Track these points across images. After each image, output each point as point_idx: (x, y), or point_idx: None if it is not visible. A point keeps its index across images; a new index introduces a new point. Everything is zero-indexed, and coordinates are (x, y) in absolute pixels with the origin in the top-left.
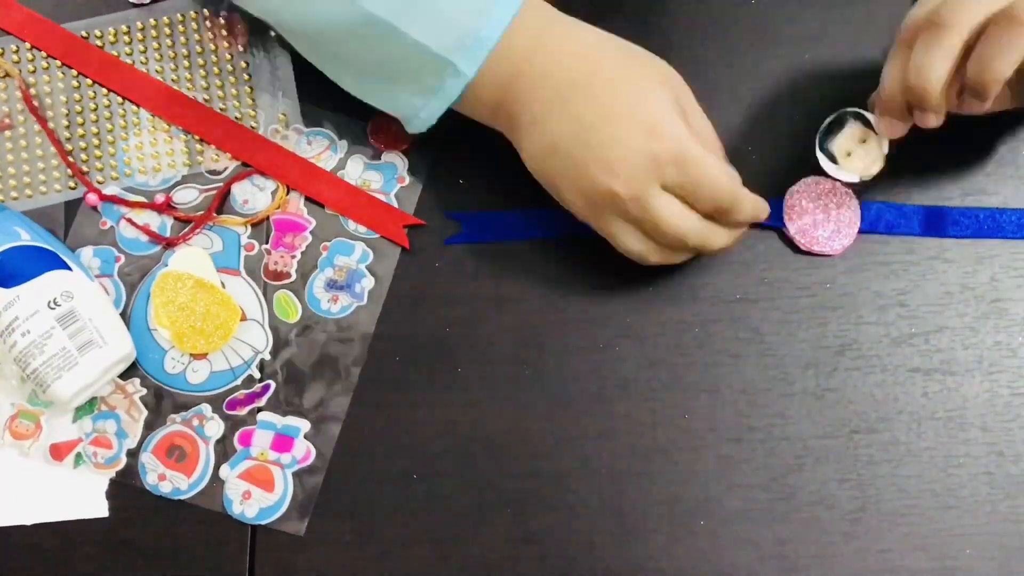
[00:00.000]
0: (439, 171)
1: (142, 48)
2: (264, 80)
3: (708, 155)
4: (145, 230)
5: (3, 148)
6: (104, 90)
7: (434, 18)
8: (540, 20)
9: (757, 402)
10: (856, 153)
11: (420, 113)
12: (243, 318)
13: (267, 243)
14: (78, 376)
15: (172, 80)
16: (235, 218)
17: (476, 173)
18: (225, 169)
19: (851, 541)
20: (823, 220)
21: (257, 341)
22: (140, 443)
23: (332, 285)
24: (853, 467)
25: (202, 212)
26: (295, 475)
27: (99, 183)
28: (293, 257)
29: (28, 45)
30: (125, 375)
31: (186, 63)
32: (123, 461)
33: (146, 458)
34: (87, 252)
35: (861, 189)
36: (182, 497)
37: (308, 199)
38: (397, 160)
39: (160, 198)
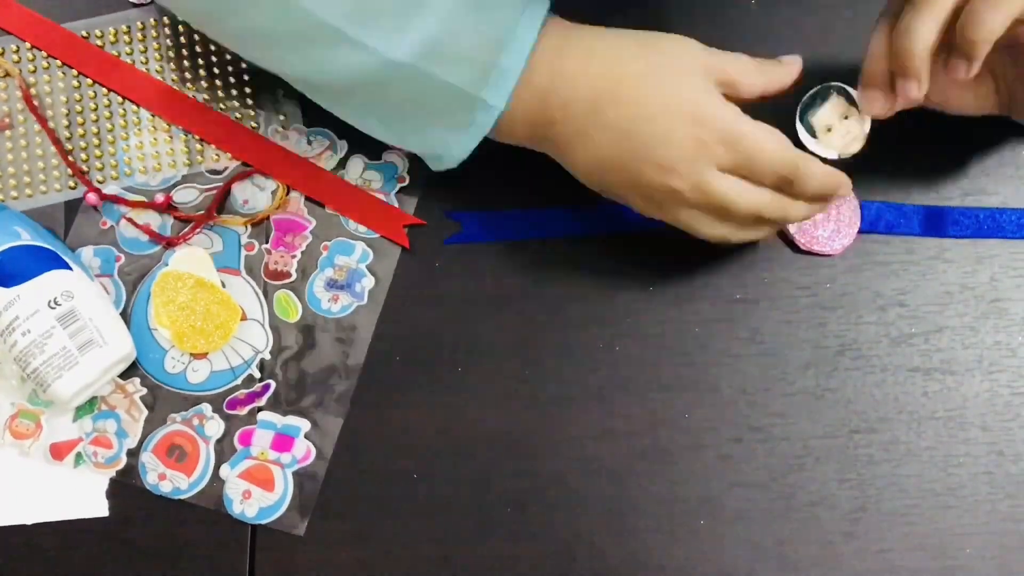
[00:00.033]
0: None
1: (142, 48)
2: (265, 80)
3: (758, 127)
4: (145, 230)
5: (3, 148)
6: (104, 90)
7: (456, 56)
8: (558, 41)
9: (757, 402)
10: (837, 129)
11: (452, 150)
12: (243, 318)
13: (267, 243)
14: (78, 375)
15: (173, 80)
16: (235, 218)
17: (476, 173)
18: (225, 169)
19: (851, 541)
20: (823, 220)
21: (257, 341)
22: (140, 443)
23: (332, 285)
24: (853, 467)
25: (202, 212)
26: (295, 475)
27: (99, 183)
28: (293, 257)
29: (28, 45)
30: (125, 375)
31: (187, 63)
32: (123, 461)
33: (146, 458)
34: (87, 252)
35: (861, 189)
36: (182, 497)
37: (308, 199)
38: (397, 160)
39: (160, 198)
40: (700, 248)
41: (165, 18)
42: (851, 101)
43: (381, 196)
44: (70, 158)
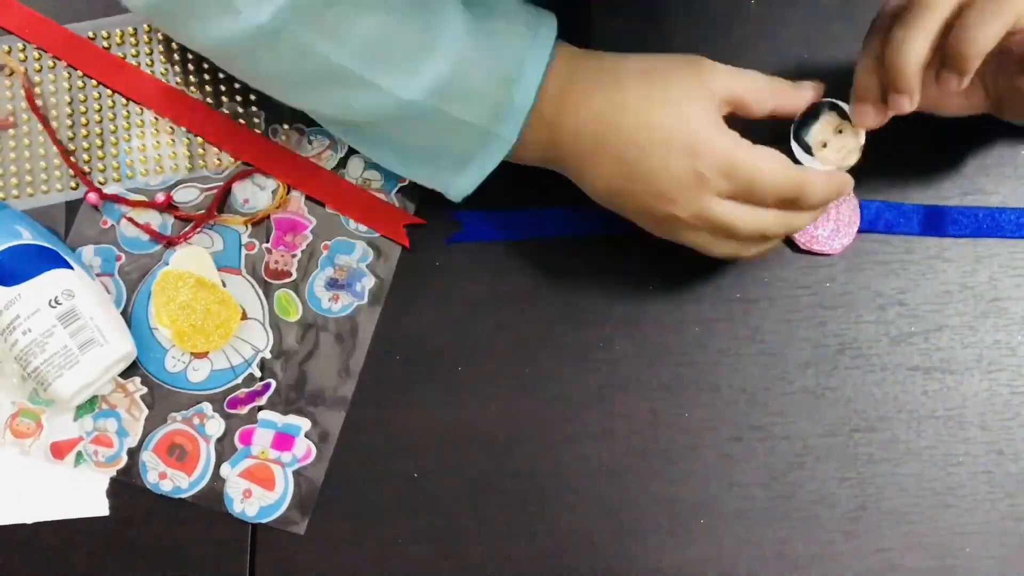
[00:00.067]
0: None
1: (148, 51)
2: None
3: (756, 154)
4: (146, 229)
5: (6, 147)
6: (107, 91)
7: (468, 94)
8: (565, 72)
9: (757, 401)
10: (832, 144)
11: (462, 181)
12: (244, 317)
13: (268, 242)
14: (79, 375)
15: (176, 82)
16: (236, 217)
17: None
18: (226, 170)
19: (851, 540)
20: (823, 219)
21: (258, 340)
22: (141, 442)
23: (333, 284)
24: (853, 466)
25: (203, 211)
26: (295, 474)
27: (100, 183)
28: (294, 256)
29: (32, 45)
30: (126, 374)
31: (191, 66)
32: (124, 460)
33: (147, 456)
34: (88, 251)
35: (861, 189)
36: (183, 496)
37: (309, 198)
38: None
39: (161, 197)
40: None
41: None
42: (843, 115)
43: (382, 195)
44: (72, 158)
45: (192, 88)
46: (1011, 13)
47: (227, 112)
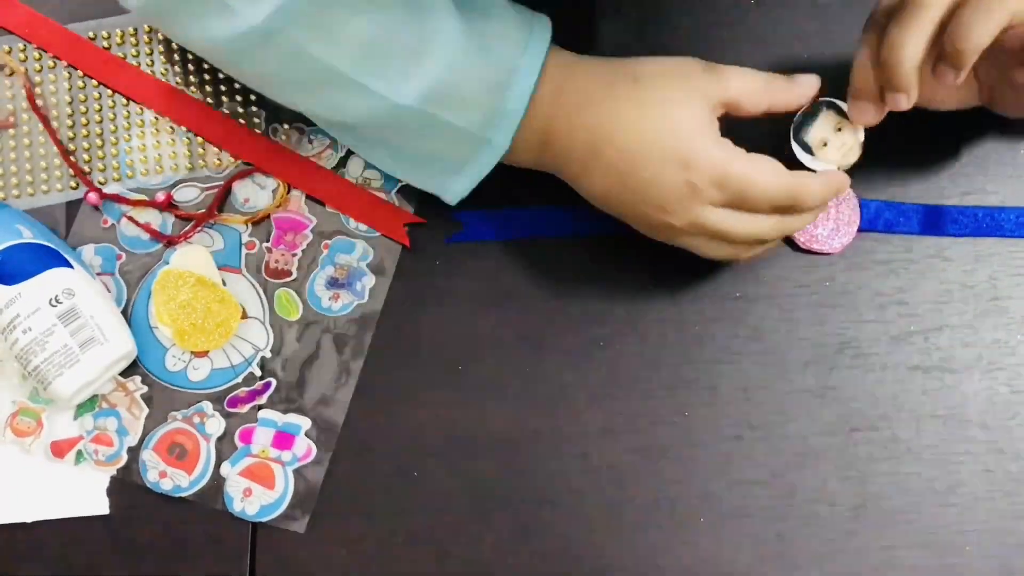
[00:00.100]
0: None
1: (148, 51)
2: None
3: (749, 164)
4: (146, 228)
5: (6, 147)
6: (107, 91)
7: (461, 100)
8: (558, 79)
9: (757, 400)
10: (832, 142)
11: (455, 185)
12: (244, 316)
13: (268, 241)
14: (79, 373)
15: (177, 82)
16: (236, 216)
17: None
18: (226, 170)
19: (851, 538)
20: (823, 219)
21: (258, 339)
22: (141, 440)
23: (333, 283)
24: (853, 464)
25: (203, 210)
26: (296, 472)
27: (100, 183)
28: (294, 255)
29: (33, 45)
30: (126, 373)
31: (191, 67)
32: (124, 458)
33: (147, 455)
34: (88, 250)
35: (860, 188)
36: (183, 494)
37: (309, 197)
38: None
39: (161, 196)
40: None
41: None
42: (841, 113)
43: (382, 194)
44: (72, 159)
45: (192, 88)
46: (1006, 10)
47: (227, 112)
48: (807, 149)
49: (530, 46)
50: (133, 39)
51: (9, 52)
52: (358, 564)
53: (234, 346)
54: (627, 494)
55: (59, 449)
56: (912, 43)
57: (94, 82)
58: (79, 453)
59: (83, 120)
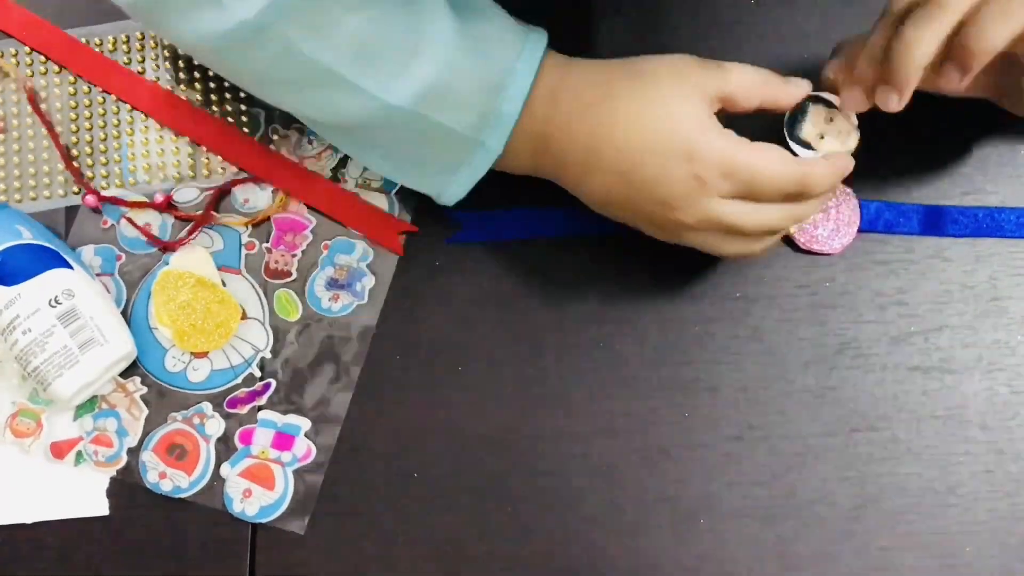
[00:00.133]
0: None
1: (140, 58)
2: None
3: (755, 152)
4: (145, 232)
5: (10, 150)
6: (108, 96)
7: (455, 101)
8: (554, 82)
9: (757, 400)
10: (829, 134)
11: (450, 188)
12: (244, 317)
13: (268, 242)
14: (79, 374)
15: (174, 88)
16: (236, 218)
17: None
18: (226, 176)
19: (851, 539)
20: (822, 219)
21: (258, 339)
22: (141, 441)
23: (333, 284)
24: (853, 465)
25: (202, 212)
26: (296, 473)
27: (102, 188)
28: (294, 256)
29: (28, 49)
30: (126, 373)
31: (183, 73)
32: (124, 459)
33: (147, 456)
34: (88, 251)
35: (861, 188)
36: (183, 495)
37: None
38: None
39: (160, 197)
40: None
41: None
42: (828, 104)
43: (382, 196)
44: (74, 164)
45: (190, 94)
46: None
47: (227, 112)
48: (805, 146)
49: (526, 49)
50: (125, 46)
51: (15, 55)
52: (358, 565)
53: (234, 347)
54: (627, 495)
55: (59, 450)
56: (925, 44)
57: (94, 87)
58: (79, 454)
59: (87, 125)
